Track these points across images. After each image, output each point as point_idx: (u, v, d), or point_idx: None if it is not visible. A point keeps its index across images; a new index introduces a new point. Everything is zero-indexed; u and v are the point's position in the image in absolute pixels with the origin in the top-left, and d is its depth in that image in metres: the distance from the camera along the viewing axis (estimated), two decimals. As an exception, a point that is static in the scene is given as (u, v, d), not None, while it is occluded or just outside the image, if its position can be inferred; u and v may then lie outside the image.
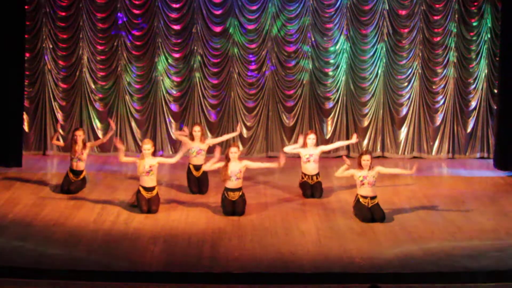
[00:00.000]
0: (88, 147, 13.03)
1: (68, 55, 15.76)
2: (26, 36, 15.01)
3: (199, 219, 11.52)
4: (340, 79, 15.99)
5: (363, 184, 11.50)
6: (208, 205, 12.17)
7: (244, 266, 9.52)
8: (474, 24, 15.83)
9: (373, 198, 11.52)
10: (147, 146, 11.86)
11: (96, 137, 15.83)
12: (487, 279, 9.38)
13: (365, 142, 16.06)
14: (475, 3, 15.77)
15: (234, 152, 11.71)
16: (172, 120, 15.99)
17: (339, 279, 9.28)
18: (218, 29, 15.80)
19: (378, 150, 16.06)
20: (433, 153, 16.12)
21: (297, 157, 13.45)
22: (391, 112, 16.10)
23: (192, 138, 13.06)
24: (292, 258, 9.82)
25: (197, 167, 12.93)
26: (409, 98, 16.05)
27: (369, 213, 11.39)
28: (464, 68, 15.99)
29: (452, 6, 15.74)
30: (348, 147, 16.07)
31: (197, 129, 13.03)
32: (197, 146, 12.96)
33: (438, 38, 15.88)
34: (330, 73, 16.01)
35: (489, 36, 15.82)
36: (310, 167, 12.86)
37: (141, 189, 11.76)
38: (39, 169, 14.67)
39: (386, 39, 15.85)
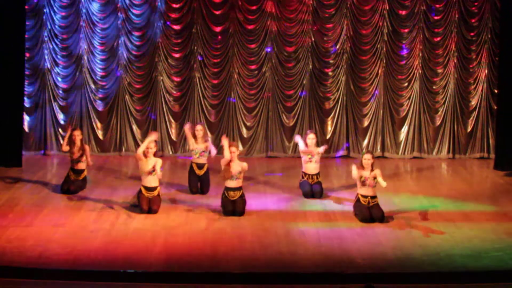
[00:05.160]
0: (87, 151, 12.94)
1: (68, 55, 15.77)
2: (26, 35, 15.02)
3: (199, 219, 11.51)
4: (340, 79, 16.00)
5: (364, 185, 11.49)
6: (208, 205, 12.17)
7: (244, 266, 9.51)
8: (474, 24, 15.83)
9: (373, 197, 11.52)
10: (150, 145, 11.83)
11: (96, 137, 15.85)
12: (487, 279, 9.37)
13: (365, 142, 16.07)
14: (475, 3, 15.77)
15: (233, 152, 11.71)
16: (172, 120, 16.00)
17: (339, 279, 9.28)
18: (218, 29, 15.81)
19: (378, 150, 16.06)
20: (433, 153, 16.13)
21: (298, 157, 13.45)
22: (391, 112, 16.10)
23: (195, 137, 13.04)
24: (292, 258, 9.82)
25: (200, 166, 12.94)
26: (409, 98, 16.05)
27: (369, 212, 11.39)
28: (464, 68, 16.00)
29: (452, 6, 15.75)
30: (348, 147, 16.08)
31: (199, 128, 13.04)
32: (199, 148, 12.96)
33: (438, 38, 15.89)
34: (330, 73, 16.02)
35: (489, 36, 15.83)
36: (311, 167, 12.86)
37: (142, 189, 11.74)
38: (39, 169, 14.67)
39: (386, 39, 15.86)
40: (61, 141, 15.72)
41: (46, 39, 15.64)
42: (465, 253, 10.04)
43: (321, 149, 12.90)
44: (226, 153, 11.65)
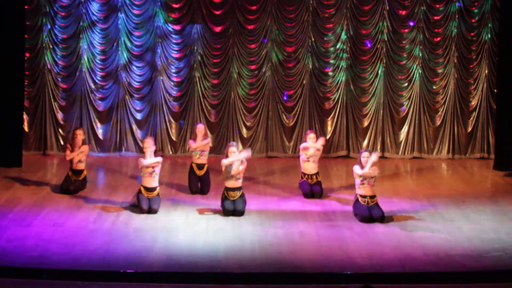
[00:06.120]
0: (84, 150, 12.90)
1: (68, 55, 15.77)
2: (26, 36, 15.02)
3: (199, 219, 11.51)
4: (340, 79, 15.99)
5: (362, 184, 11.50)
6: (208, 205, 12.17)
7: (244, 266, 9.51)
8: (474, 24, 15.83)
9: (372, 197, 11.52)
10: (148, 145, 11.81)
11: (96, 137, 15.84)
12: (487, 279, 9.37)
13: (365, 142, 16.06)
14: (475, 3, 15.77)
15: (233, 152, 11.71)
16: (172, 120, 16.00)
17: (339, 279, 9.28)
18: (218, 29, 15.81)
19: (378, 150, 16.04)
20: (433, 153, 16.12)
21: (297, 156, 13.42)
22: (391, 112, 16.10)
23: (195, 137, 13.03)
24: (292, 258, 9.81)
25: (200, 166, 12.94)
26: (409, 98, 16.05)
27: (369, 212, 11.39)
28: (464, 68, 16.00)
29: (452, 6, 15.74)
30: (348, 147, 16.08)
31: (201, 127, 13.05)
32: (199, 148, 12.96)
33: (438, 38, 15.88)
34: (330, 73, 16.02)
35: (489, 36, 15.83)
36: (310, 167, 12.86)
37: (142, 189, 11.75)
38: (39, 169, 14.67)
39: (386, 39, 15.86)
40: (61, 142, 15.73)
41: (46, 39, 15.64)
42: (465, 253, 10.04)
43: (319, 143, 12.85)
44: (233, 158, 11.64)
